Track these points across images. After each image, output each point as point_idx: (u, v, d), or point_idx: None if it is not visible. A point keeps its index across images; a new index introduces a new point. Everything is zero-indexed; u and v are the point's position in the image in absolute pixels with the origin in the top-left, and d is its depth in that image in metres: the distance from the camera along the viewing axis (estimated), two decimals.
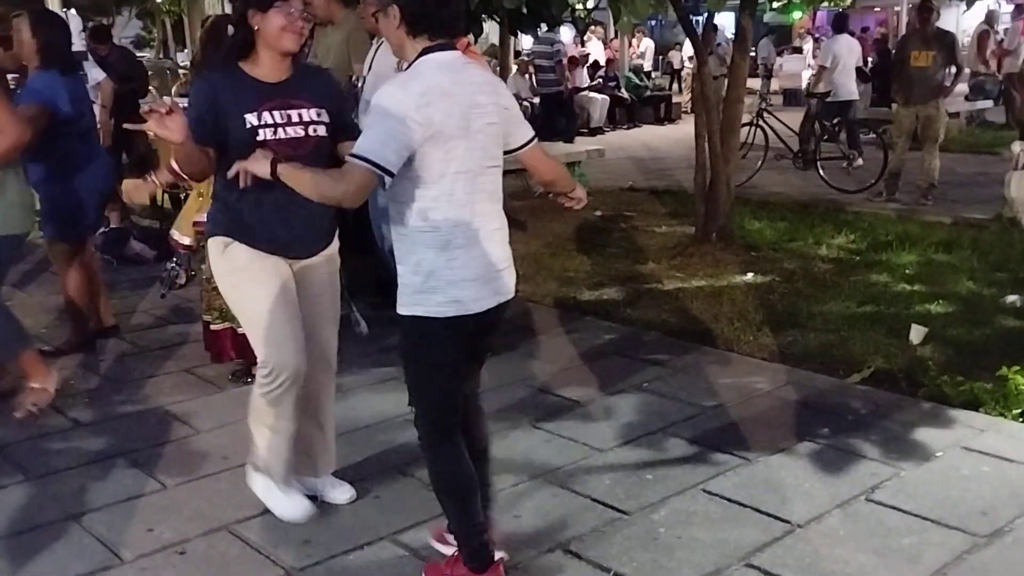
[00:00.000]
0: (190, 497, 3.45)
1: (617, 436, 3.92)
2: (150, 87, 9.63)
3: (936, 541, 3.07)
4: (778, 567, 2.93)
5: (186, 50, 14.27)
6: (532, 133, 2.80)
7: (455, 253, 2.56)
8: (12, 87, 5.48)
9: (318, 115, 3.07)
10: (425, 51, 2.58)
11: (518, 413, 4.16)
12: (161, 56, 15.41)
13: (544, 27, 9.94)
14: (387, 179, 2.47)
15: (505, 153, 2.73)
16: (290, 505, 3.21)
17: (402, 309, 2.61)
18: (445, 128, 2.49)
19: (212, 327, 4.55)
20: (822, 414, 4.11)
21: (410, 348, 2.68)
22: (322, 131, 3.07)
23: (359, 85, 5.16)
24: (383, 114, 2.47)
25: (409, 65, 2.61)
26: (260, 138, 2.96)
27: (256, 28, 2.99)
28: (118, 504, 3.39)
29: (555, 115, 14.43)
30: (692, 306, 5.74)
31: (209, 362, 4.66)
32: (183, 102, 3.71)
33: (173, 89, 12.00)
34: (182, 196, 5.57)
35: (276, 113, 3.00)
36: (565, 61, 14.73)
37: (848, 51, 10.76)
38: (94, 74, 6.88)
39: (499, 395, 4.37)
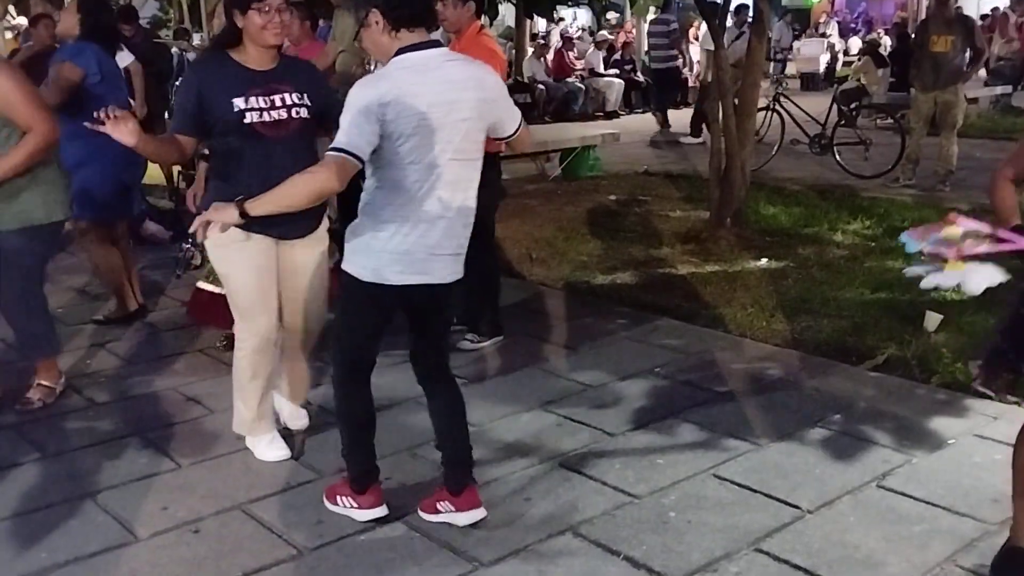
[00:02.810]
0: (204, 476, 3.48)
1: (628, 420, 3.93)
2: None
3: (946, 528, 3.07)
4: (787, 552, 2.94)
5: (202, 32, 14.28)
6: (519, 120, 3.02)
7: (384, 227, 2.78)
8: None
9: (300, 99, 3.32)
10: (399, 51, 2.75)
11: (529, 396, 4.17)
12: (177, 37, 15.43)
13: (560, 9, 9.94)
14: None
15: (498, 139, 3.02)
16: (263, 449, 3.60)
17: (343, 264, 2.91)
18: (399, 127, 2.68)
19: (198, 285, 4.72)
20: (834, 400, 4.10)
21: (342, 297, 3.00)
22: (304, 113, 3.32)
23: (370, 69, 5.17)
24: (350, 109, 2.68)
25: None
26: (247, 120, 3.23)
27: (240, 26, 3.23)
28: (133, 483, 3.43)
29: (669, 88, 15.15)
30: (705, 291, 5.73)
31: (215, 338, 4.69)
32: None
33: None
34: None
35: (261, 98, 3.25)
36: (681, 38, 15.33)
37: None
38: (121, 57, 6.85)
39: (510, 378, 4.39)
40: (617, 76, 16.92)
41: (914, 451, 3.61)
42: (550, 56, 16.88)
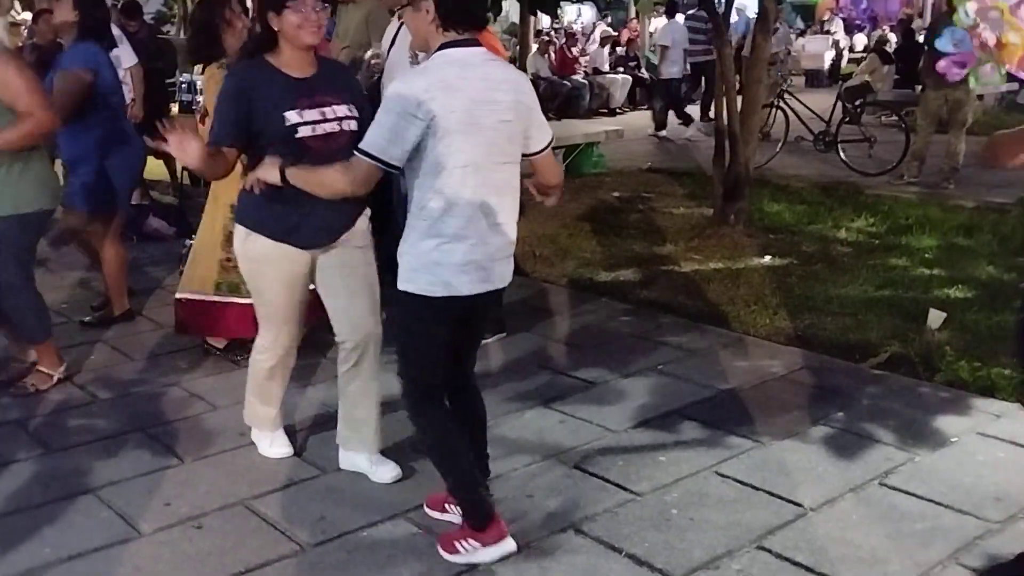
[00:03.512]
0: (207, 472, 3.48)
1: (631, 417, 3.93)
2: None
3: (949, 526, 3.06)
4: (790, 550, 2.94)
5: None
6: (550, 137, 2.87)
7: (448, 240, 2.67)
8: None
9: (349, 111, 3.20)
10: (443, 46, 2.65)
11: (532, 393, 4.17)
12: (182, 34, 15.46)
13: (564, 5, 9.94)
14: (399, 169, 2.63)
15: (523, 156, 2.81)
16: (268, 444, 3.60)
17: (399, 283, 2.76)
18: (445, 122, 2.57)
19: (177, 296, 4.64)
20: (837, 398, 4.10)
21: (401, 321, 2.86)
22: (353, 125, 3.18)
23: (372, 63, 5.15)
24: (388, 110, 2.59)
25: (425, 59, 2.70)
26: (299, 135, 3.08)
27: (276, 28, 3.10)
28: (136, 478, 3.43)
29: (707, 81, 14.83)
30: (709, 288, 5.72)
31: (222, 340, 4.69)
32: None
33: (195, 69, 11.97)
34: None
35: (314, 111, 3.13)
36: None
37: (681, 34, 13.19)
38: (125, 57, 6.84)
39: (513, 375, 4.39)
40: (622, 73, 16.91)
41: (917, 449, 3.60)
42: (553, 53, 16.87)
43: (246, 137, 3.09)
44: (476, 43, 2.70)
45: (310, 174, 2.83)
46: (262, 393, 3.55)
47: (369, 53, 5.28)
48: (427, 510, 3.13)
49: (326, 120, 3.13)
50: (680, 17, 13.62)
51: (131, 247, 6.54)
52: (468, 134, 2.61)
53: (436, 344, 2.83)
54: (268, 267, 3.24)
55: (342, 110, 3.17)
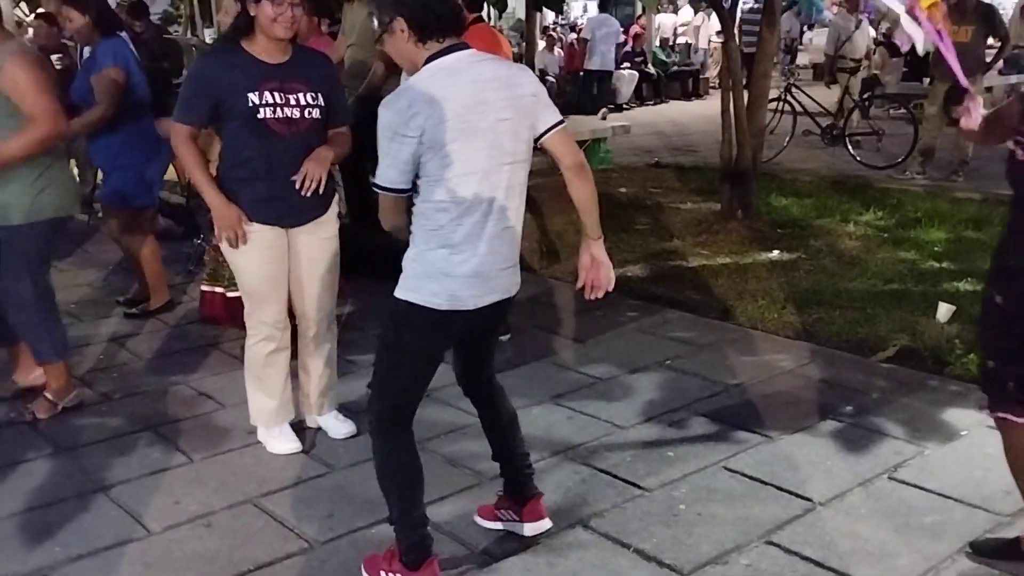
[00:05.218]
0: (216, 470, 3.49)
1: (639, 413, 3.93)
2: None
3: (958, 520, 3.05)
4: (798, 544, 2.93)
5: (212, 28, 14.32)
6: (557, 119, 2.69)
7: (455, 251, 2.56)
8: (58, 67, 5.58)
9: (314, 99, 3.36)
10: (428, 60, 2.54)
11: (540, 390, 4.17)
12: (189, 34, 15.51)
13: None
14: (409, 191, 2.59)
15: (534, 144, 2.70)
16: (277, 442, 3.63)
17: (398, 292, 2.62)
18: (436, 134, 2.47)
19: (202, 287, 4.80)
20: (846, 392, 4.08)
21: (392, 331, 2.67)
22: (316, 114, 3.36)
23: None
24: (382, 137, 2.52)
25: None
26: (260, 116, 3.26)
27: (253, 14, 3.24)
28: (145, 476, 3.44)
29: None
30: (716, 283, 5.71)
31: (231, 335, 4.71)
32: None
33: None
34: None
35: (276, 94, 3.29)
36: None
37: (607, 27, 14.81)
38: None
39: (521, 371, 4.39)
40: (628, 68, 16.87)
41: (926, 443, 3.59)
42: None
43: (209, 117, 3.32)
44: (462, 46, 2.58)
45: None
46: (261, 384, 3.60)
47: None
48: (478, 519, 3.05)
49: (288, 105, 3.30)
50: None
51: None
52: (464, 140, 2.50)
53: (427, 363, 2.68)
54: (246, 244, 3.38)
55: (307, 98, 3.33)
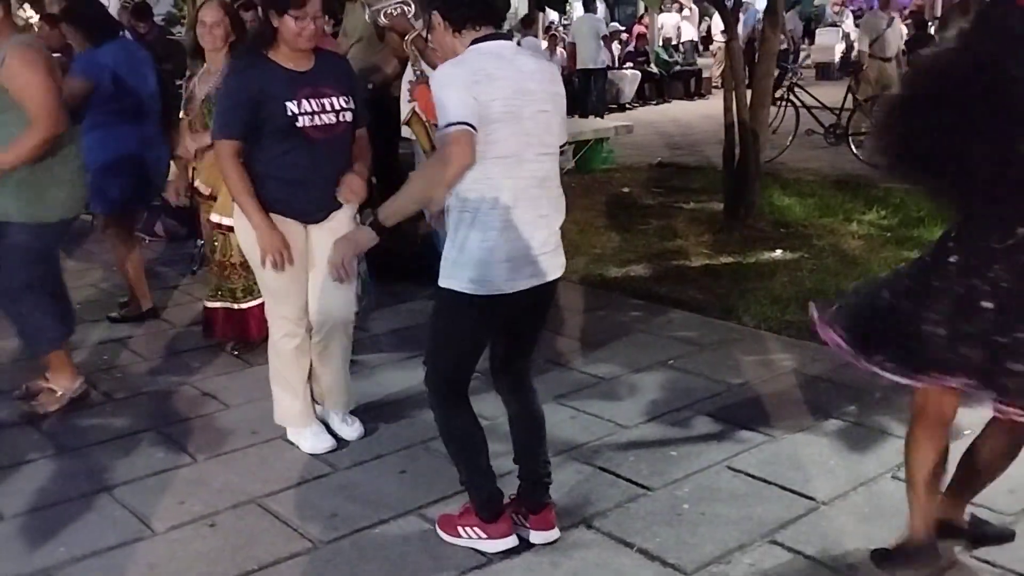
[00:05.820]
0: (220, 471, 3.50)
1: (642, 413, 3.93)
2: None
3: None
4: (801, 544, 2.93)
5: None
6: (564, 139, 2.84)
7: (489, 235, 2.63)
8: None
9: (346, 103, 3.38)
10: (473, 42, 2.64)
11: (543, 389, 4.10)
12: (191, 35, 15.52)
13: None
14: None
15: None
16: (310, 442, 3.61)
17: (440, 281, 2.72)
18: (488, 110, 2.54)
19: (206, 304, 4.65)
20: (849, 392, 4.08)
21: (437, 315, 2.81)
22: (349, 117, 3.40)
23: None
24: (448, 86, 2.54)
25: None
26: (299, 124, 3.27)
27: (276, 25, 3.25)
28: (149, 477, 3.45)
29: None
30: (719, 283, 5.71)
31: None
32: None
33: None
34: None
35: (312, 101, 3.30)
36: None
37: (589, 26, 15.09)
38: None
39: None
40: (631, 68, 16.88)
41: None
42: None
43: (251, 130, 3.29)
44: (504, 36, 2.71)
45: (398, 197, 2.70)
46: (286, 383, 3.60)
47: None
48: (440, 532, 3.00)
49: (325, 111, 3.32)
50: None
51: (143, 248, 6.59)
52: (508, 123, 2.58)
53: (469, 342, 2.79)
54: (292, 264, 3.38)
55: (340, 102, 3.36)
